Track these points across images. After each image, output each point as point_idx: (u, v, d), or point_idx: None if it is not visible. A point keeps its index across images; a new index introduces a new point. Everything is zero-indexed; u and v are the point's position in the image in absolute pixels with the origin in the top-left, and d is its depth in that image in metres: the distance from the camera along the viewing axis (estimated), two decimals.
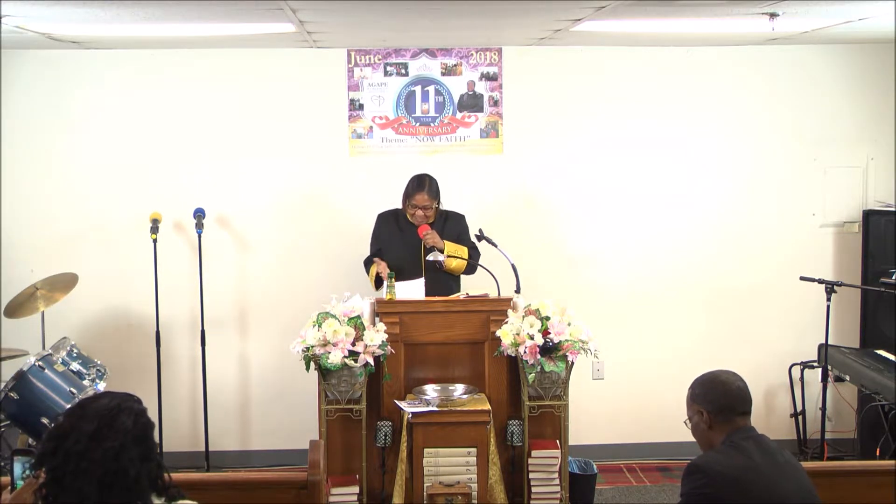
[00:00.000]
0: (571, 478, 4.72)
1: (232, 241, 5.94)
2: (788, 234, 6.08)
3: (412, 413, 4.38)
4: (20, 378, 4.86)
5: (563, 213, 6.02)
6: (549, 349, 4.40)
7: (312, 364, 4.38)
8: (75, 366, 5.08)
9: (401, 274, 4.82)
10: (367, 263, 5.22)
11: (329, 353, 4.31)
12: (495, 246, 5.05)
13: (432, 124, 5.95)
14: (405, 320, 4.63)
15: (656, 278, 6.06)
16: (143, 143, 5.86)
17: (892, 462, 3.59)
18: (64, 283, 5.43)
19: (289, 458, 5.81)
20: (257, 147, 5.91)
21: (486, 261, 5.06)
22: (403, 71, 5.93)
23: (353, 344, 4.34)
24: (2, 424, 5.04)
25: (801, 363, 5.83)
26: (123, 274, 5.86)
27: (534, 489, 4.54)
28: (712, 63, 5.98)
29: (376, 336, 4.38)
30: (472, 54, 5.92)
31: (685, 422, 3.04)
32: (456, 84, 5.94)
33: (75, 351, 5.18)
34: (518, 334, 4.42)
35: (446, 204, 5.27)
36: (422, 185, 5.07)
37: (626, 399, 6.06)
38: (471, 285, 5.08)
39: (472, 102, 5.96)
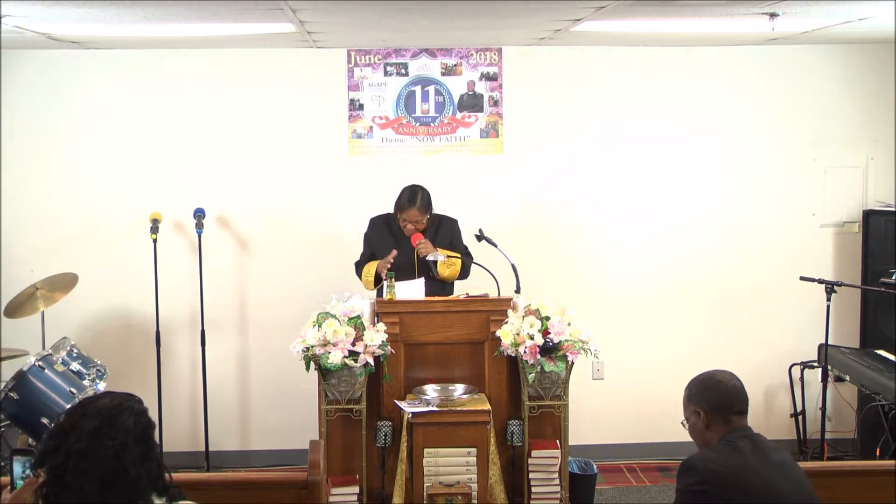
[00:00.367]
0: (571, 478, 4.72)
1: (232, 241, 5.94)
2: (788, 234, 6.08)
3: (412, 413, 4.37)
4: (20, 378, 4.87)
5: (563, 213, 6.02)
6: (549, 349, 4.40)
7: (312, 364, 4.38)
8: (75, 366, 5.08)
9: (395, 278, 4.80)
10: (359, 268, 5.19)
11: (329, 353, 4.31)
12: (495, 246, 5.04)
13: (432, 124, 5.95)
14: (405, 320, 4.63)
15: (656, 278, 6.06)
16: (143, 143, 5.86)
17: (892, 462, 3.59)
18: (64, 283, 5.43)
19: (289, 458, 5.81)
20: (257, 147, 5.91)
21: (487, 261, 5.06)
22: (403, 71, 5.93)
23: (353, 344, 4.34)
24: (2, 424, 5.03)
25: (801, 363, 5.83)
26: (123, 274, 5.87)
27: (534, 489, 4.53)
28: (712, 63, 5.98)
29: (376, 336, 4.37)
30: (472, 54, 5.92)
31: (682, 423, 3.04)
32: (456, 84, 5.94)
33: (75, 351, 5.18)
34: (518, 334, 4.42)
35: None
36: (413, 200, 4.99)
37: (626, 399, 6.06)
38: (471, 285, 5.08)
39: (472, 102, 5.95)
